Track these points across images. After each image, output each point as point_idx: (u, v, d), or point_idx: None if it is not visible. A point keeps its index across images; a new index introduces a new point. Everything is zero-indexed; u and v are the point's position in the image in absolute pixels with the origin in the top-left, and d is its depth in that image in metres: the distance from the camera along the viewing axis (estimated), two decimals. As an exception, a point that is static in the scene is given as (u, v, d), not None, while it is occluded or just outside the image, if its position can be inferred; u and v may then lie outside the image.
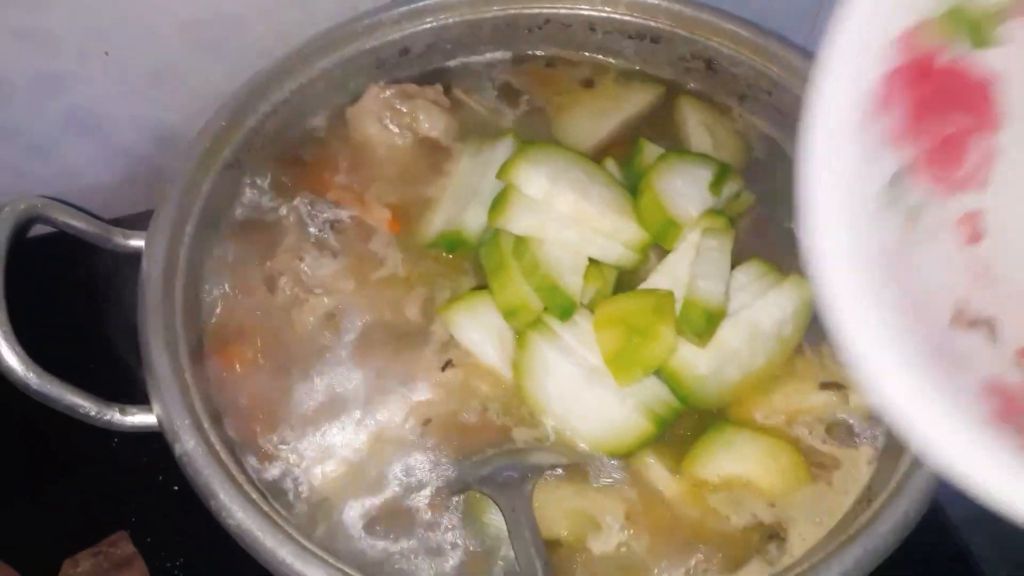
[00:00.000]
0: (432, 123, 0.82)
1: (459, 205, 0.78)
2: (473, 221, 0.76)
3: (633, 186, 0.76)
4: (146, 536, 0.78)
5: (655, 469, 0.67)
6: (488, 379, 0.71)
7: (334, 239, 0.76)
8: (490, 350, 0.71)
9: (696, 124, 0.83)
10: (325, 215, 0.78)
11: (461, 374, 0.71)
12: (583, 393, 0.68)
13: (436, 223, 0.78)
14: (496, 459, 0.67)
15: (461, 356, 0.72)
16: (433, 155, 0.83)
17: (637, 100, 0.87)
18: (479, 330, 0.72)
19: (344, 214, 0.78)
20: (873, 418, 0.69)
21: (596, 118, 0.84)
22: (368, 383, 0.70)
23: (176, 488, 0.78)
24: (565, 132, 0.84)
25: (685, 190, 0.74)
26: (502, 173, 0.73)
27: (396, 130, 0.82)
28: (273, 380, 0.69)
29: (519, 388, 0.69)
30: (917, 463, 0.60)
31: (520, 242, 0.72)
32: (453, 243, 0.77)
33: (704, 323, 0.67)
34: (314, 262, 0.74)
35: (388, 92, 0.82)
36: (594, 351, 0.69)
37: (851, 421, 0.69)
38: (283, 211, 0.78)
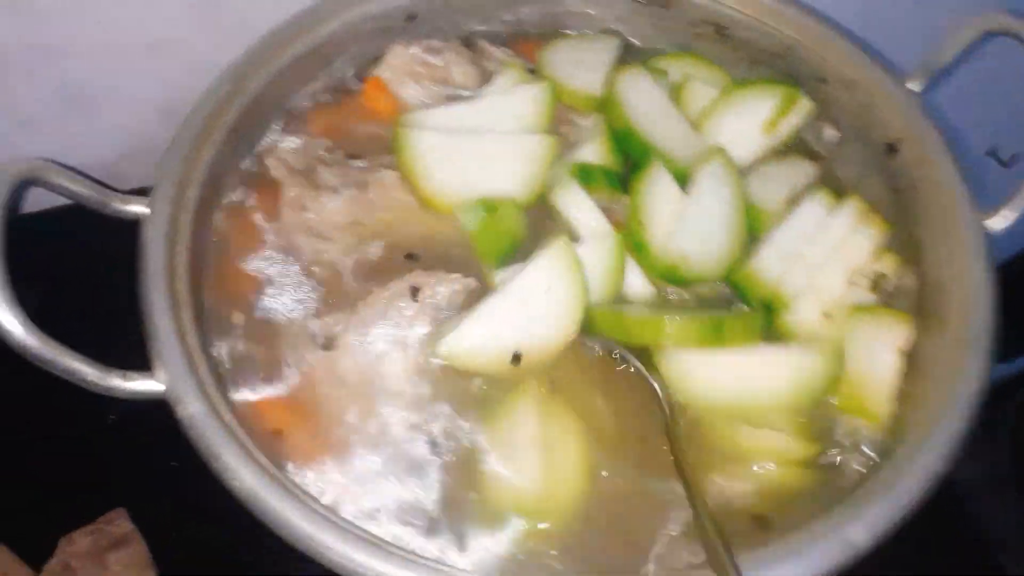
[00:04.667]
0: (465, 73, 0.82)
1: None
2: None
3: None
4: (144, 513, 0.76)
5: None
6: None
7: (333, 178, 0.75)
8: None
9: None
10: (319, 154, 0.77)
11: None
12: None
13: None
14: None
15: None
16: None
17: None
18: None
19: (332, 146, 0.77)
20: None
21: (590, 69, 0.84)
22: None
23: (174, 464, 0.77)
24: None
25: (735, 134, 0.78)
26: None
27: (431, 85, 0.81)
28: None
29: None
30: (941, 416, 0.59)
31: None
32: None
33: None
34: (317, 206, 0.72)
35: (415, 48, 0.81)
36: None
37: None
38: (275, 162, 0.76)
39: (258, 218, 0.74)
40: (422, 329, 0.67)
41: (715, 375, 0.66)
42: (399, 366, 0.66)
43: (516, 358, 0.65)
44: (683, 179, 0.73)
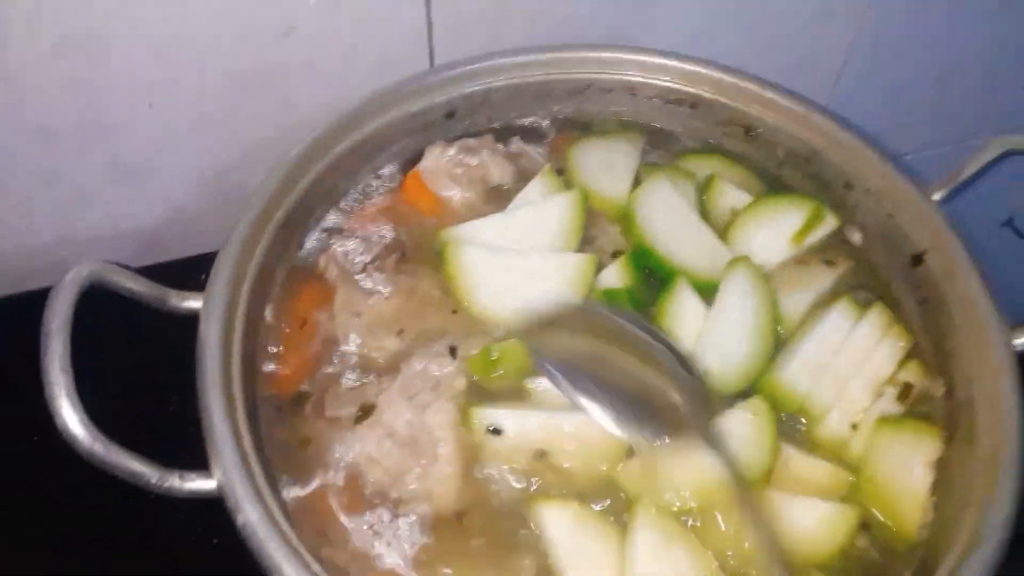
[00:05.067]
0: (501, 171, 0.84)
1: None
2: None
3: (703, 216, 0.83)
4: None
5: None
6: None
7: (382, 280, 0.77)
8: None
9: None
10: (367, 256, 0.79)
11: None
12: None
13: None
14: None
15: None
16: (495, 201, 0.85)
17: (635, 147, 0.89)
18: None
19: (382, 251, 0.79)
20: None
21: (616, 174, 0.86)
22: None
23: (215, 542, 0.79)
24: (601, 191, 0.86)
25: (763, 241, 0.79)
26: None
27: (467, 184, 0.84)
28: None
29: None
30: (975, 540, 0.60)
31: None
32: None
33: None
34: (368, 310, 0.74)
35: (452, 150, 0.84)
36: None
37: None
38: (327, 262, 0.79)
39: (308, 314, 0.76)
40: (461, 384, 0.71)
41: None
42: (441, 421, 0.69)
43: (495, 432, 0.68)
44: (708, 291, 0.75)
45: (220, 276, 0.69)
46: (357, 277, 0.77)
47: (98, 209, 0.97)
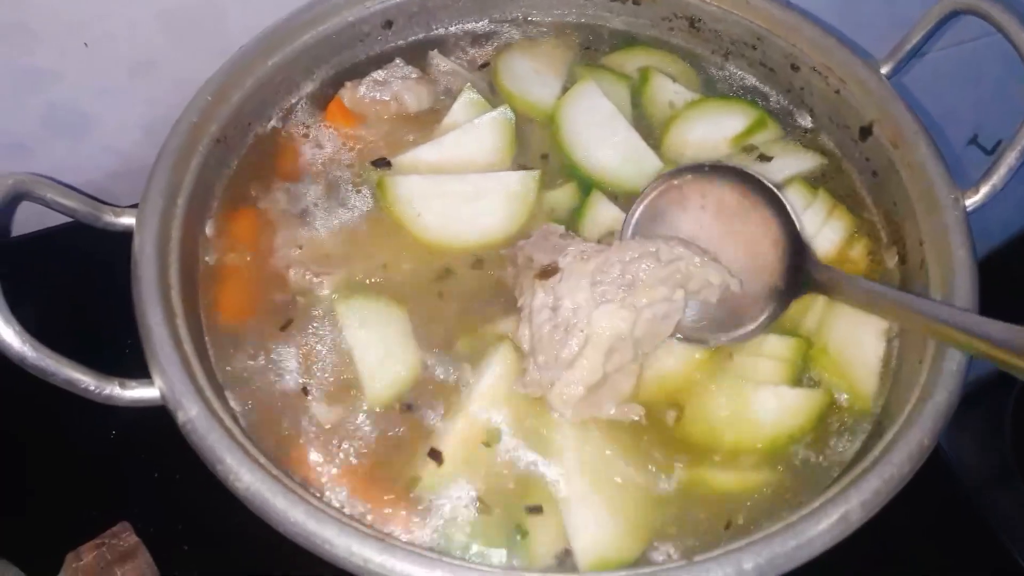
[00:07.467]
0: (417, 98, 0.82)
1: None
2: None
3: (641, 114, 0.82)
4: (149, 526, 0.76)
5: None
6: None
7: (322, 214, 0.76)
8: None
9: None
10: (309, 193, 0.77)
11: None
12: None
13: None
14: None
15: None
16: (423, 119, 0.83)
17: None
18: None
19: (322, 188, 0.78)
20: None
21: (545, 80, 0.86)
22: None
23: (177, 476, 0.77)
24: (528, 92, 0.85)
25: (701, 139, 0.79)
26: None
27: (387, 117, 0.82)
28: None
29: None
30: (927, 392, 0.59)
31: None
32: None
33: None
34: (311, 245, 0.73)
35: (361, 89, 0.82)
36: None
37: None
38: (268, 195, 0.77)
39: (248, 230, 0.75)
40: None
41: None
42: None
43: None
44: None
45: (154, 185, 0.68)
46: (297, 216, 0.76)
47: (41, 163, 0.94)
